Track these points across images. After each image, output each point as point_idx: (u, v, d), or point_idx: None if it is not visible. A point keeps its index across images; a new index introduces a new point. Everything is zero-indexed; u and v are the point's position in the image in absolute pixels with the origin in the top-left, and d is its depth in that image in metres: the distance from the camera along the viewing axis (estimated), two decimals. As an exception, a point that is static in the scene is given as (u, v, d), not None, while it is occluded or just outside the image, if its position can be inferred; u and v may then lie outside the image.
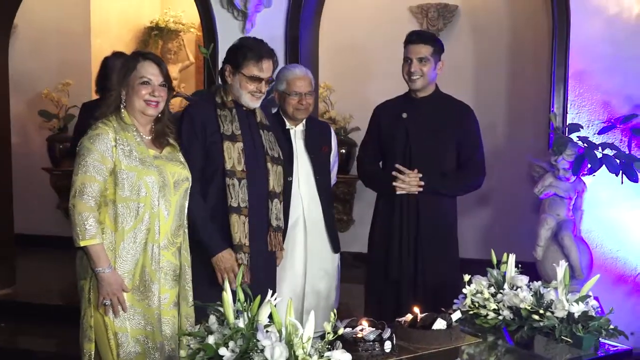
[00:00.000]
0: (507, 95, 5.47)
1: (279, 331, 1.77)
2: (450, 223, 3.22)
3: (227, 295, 1.95)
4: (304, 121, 3.27)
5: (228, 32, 4.21)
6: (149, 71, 2.56)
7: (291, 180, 3.15)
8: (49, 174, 6.37)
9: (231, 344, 1.85)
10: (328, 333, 1.76)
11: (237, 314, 1.95)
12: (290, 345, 1.72)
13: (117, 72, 2.63)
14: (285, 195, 3.06)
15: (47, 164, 6.37)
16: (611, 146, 3.47)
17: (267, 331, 1.83)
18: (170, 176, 2.60)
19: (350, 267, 5.11)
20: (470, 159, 3.18)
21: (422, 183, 3.08)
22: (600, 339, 2.30)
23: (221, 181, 2.82)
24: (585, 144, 3.47)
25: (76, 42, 6.32)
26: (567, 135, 3.58)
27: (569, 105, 3.75)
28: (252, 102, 2.88)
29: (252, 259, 2.84)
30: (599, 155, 3.46)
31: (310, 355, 1.71)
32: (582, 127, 3.59)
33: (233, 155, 2.81)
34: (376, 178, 3.31)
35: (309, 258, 3.22)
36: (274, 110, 3.28)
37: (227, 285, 2.00)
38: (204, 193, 2.82)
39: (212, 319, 1.99)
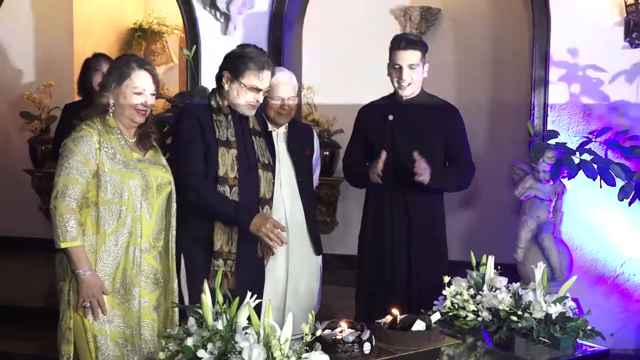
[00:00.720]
0: (490, 99, 5.51)
1: (257, 333, 1.78)
2: (440, 224, 3.23)
3: (206, 298, 1.95)
4: (286, 123, 3.27)
5: (211, 34, 4.21)
6: (144, 81, 2.56)
7: (273, 183, 3.16)
8: (30, 175, 6.32)
9: (210, 345, 1.85)
10: (306, 335, 1.77)
11: (217, 315, 1.95)
12: (268, 346, 1.72)
13: (108, 75, 2.61)
14: None
15: (28, 165, 6.32)
16: (588, 151, 3.51)
17: (245, 333, 1.83)
18: (154, 179, 2.60)
19: (334, 269, 5.12)
20: (459, 159, 3.18)
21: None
22: (578, 339, 2.32)
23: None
24: (563, 150, 3.50)
25: (58, 43, 6.28)
26: (545, 141, 3.62)
27: (549, 109, 3.79)
28: (248, 110, 2.88)
29: (239, 264, 2.83)
30: (577, 160, 3.49)
31: (288, 357, 1.71)
32: (559, 134, 3.62)
33: (227, 162, 2.81)
34: (365, 177, 3.24)
35: (290, 260, 3.22)
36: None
37: (205, 287, 2.00)
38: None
39: (191, 320, 1.98)
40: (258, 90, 2.83)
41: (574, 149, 3.56)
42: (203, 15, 4.26)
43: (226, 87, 2.85)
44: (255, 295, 1.98)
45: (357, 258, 3.36)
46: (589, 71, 3.78)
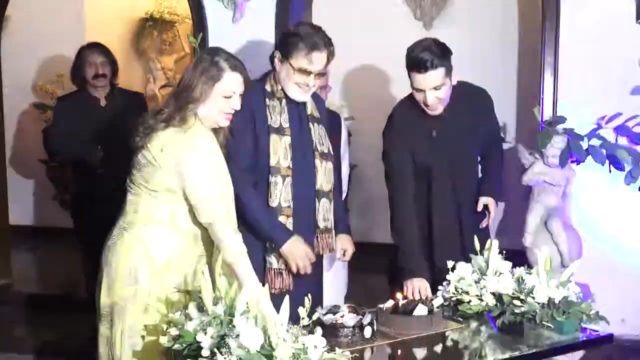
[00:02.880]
0: (501, 83, 5.45)
1: (255, 317, 1.78)
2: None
3: (207, 283, 1.96)
4: None
5: (218, 22, 4.19)
6: (235, 84, 2.38)
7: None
8: (45, 165, 6.39)
9: (209, 330, 1.86)
10: (302, 318, 1.77)
11: (217, 300, 1.96)
12: (264, 330, 1.73)
13: (193, 75, 2.37)
14: None
15: (42, 155, 6.38)
16: (597, 136, 3.46)
17: (245, 318, 1.84)
18: None
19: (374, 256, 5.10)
20: (494, 144, 3.09)
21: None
22: (582, 324, 2.30)
23: (264, 179, 2.63)
24: (571, 135, 3.46)
25: (70, 34, 6.29)
26: (553, 126, 3.57)
27: (558, 93, 3.74)
28: (299, 95, 2.64)
29: None
30: (585, 145, 3.44)
31: (284, 340, 1.72)
32: (566, 120, 3.56)
33: (279, 150, 2.61)
34: (401, 254, 2.88)
35: None
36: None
37: (206, 270, 2.01)
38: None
39: (192, 305, 1.99)
40: (308, 73, 2.59)
41: (584, 134, 3.51)
42: (210, 3, 4.23)
43: (277, 68, 2.65)
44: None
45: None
46: (600, 54, 3.70)
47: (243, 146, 2.59)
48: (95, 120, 3.96)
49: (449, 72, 2.76)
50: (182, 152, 2.28)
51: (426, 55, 2.70)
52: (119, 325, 2.33)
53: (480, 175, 3.06)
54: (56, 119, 4.20)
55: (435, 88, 2.72)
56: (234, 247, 2.27)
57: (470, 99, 2.96)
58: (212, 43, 4.17)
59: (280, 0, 4.13)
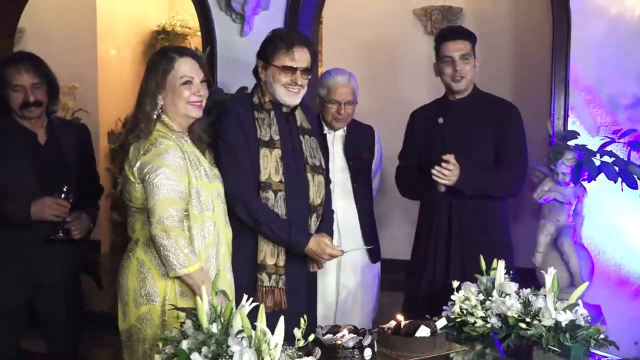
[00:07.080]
0: (512, 98, 5.37)
1: (249, 337, 1.74)
2: (501, 231, 3.00)
3: (202, 301, 1.91)
4: (344, 127, 3.17)
5: (226, 35, 4.20)
6: (190, 69, 2.34)
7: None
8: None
9: (204, 349, 1.82)
10: (298, 340, 1.72)
11: (214, 319, 1.92)
12: (259, 351, 1.69)
13: (146, 76, 2.35)
14: None
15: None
16: (609, 153, 3.38)
17: (240, 337, 1.79)
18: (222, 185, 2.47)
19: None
20: (508, 160, 2.90)
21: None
22: (590, 348, 2.23)
23: None
24: (583, 151, 3.40)
25: (82, 46, 6.35)
26: (565, 142, 3.51)
27: (569, 109, 3.68)
28: (289, 97, 2.58)
29: (288, 280, 2.58)
30: (597, 162, 3.37)
31: (278, 362, 1.67)
32: (579, 135, 3.50)
33: (270, 164, 2.53)
34: (412, 184, 3.08)
35: (342, 268, 3.09)
36: None
37: (203, 289, 1.97)
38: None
39: (188, 323, 1.95)
40: (293, 70, 2.55)
41: (595, 150, 3.44)
42: (219, 17, 4.23)
43: (263, 77, 2.61)
44: (251, 299, 1.95)
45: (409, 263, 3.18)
46: (613, 68, 3.65)
47: (242, 158, 2.55)
48: (35, 164, 2.86)
49: (474, 51, 2.97)
50: (142, 161, 2.26)
51: (456, 27, 3.18)
52: (140, 348, 2.31)
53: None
54: None
55: (462, 57, 2.91)
56: (174, 262, 2.22)
57: (491, 103, 3.05)
58: (220, 56, 4.18)
59: (288, 14, 4.12)
